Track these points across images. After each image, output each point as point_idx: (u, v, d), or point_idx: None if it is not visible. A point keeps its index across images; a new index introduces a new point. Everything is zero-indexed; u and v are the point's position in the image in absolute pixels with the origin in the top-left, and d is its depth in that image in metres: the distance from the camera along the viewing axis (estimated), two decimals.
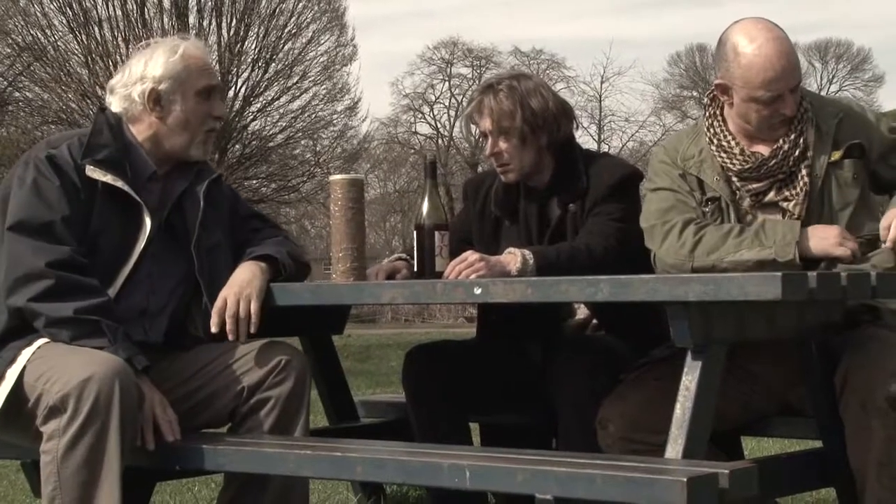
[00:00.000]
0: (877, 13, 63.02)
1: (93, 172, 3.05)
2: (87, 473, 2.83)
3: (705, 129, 3.12)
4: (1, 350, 2.99)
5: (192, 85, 3.17)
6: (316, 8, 21.42)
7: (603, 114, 40.20)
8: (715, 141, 3.10)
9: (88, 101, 19.73)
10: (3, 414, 2.96)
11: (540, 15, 61.57)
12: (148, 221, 3.08)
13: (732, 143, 3.08)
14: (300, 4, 21.11)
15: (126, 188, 3.06)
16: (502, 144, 3.39)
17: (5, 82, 20.72)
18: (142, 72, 3.18)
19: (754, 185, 3.06)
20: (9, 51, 20.35)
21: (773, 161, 3.04)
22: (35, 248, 2.97)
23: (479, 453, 2.91)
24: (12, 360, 2.95)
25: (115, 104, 3.21)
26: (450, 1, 65.01)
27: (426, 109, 39.14)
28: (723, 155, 3.08)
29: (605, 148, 38.05)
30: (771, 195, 3.05)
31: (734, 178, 3.07)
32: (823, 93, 40.70)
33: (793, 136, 3.04)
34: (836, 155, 3.03)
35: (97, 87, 19.64)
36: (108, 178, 3.06)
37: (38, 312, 2.96)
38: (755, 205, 3.05)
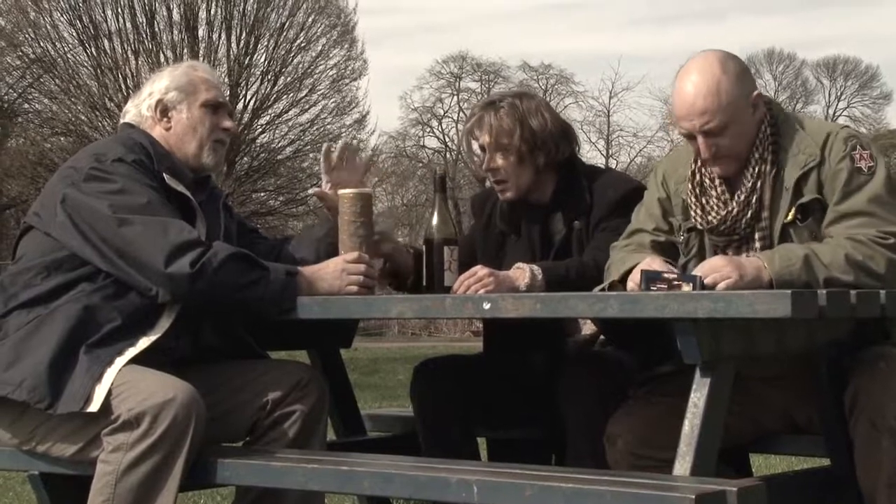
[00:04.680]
0: (885, 31, 63.04)
1: (171, 182, 3.08)
2: (144, 493, 2.84)
3: (692, 161, 3.04)
4: (118, 342, 2.95)
5: (198, 97, 3.20)
6: (326, 22, 21.48)
7: (611, 129, 40.25)
8: (697, 176, 3.02)
9: (97, 112, 19.80)
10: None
11: (549, 30, 61.69)
12: (204, 229, 3.09)
13: (717, 182, 2.98)
14: (310, 18, 21.18)
15: (193, 199, 3.10)
16: (500, 161, 3.41)
17: (15, 94, 20.81)
18: (149, 90, 3.24)
19: (714, 238, 3.01)
20: (19, 63, 20.44)
21: (723, 226, 2.95)
22: (173, 224, 2.96)
23: (487, 468, 2.90)
24: (110, 362, 2.92)
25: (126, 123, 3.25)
26: (459, 15, 65.17)
27: (434, 123, 39.23)
28: (693, 200, 3.01)
29: (612, 163, 38.07)
30: (730, 252, 2.97)
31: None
32: (831, 110, 41.07)
33: (743, 197, 2.94)
34: (790, 216, 2.90)
35: (106, 100, 19.71)
36: (181, 189, 3.09)
37: (207, 265, 2.90)
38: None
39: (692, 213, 3.03)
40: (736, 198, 2.95)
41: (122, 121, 3.28)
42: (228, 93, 20.07)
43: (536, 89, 37.37)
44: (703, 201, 3.01)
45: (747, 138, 2.94)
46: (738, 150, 2.94)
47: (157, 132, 3.20)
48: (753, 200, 2.94)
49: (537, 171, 3.41)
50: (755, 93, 2.96)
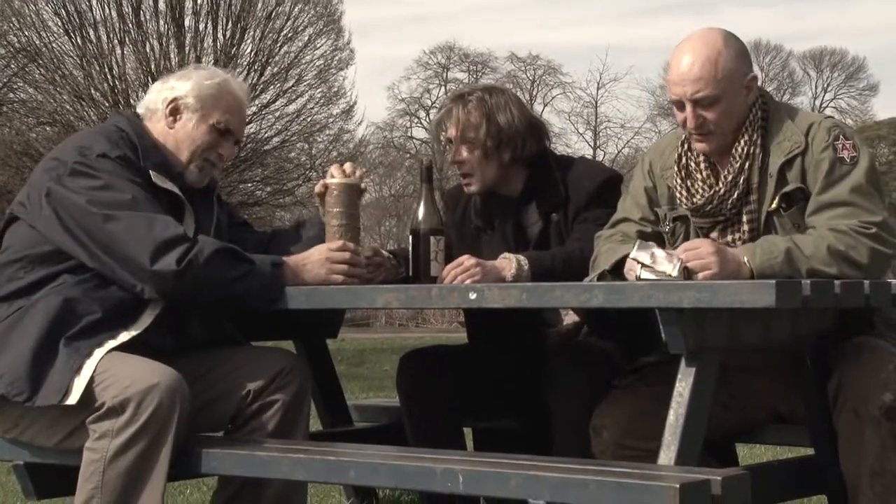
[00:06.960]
0: (872, 22, 63.17)
1: (157, 179, 3.06)
2: (133, 479, 2.84)
3: (678, 145, 3.06)
4: (108, 330, 2.95)
5: (212, 115, 3.16)
6: (312, 12, 21.39)
7: (599, 120, 40.23)
8: (683, 160, 3.03)
9: (82, 102, 19.69)
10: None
11: (537, 21, 61.64)
12: (193, 224, 3.09)
13: (702, 165, 3.00)
14: (296, 8, 21.07)
15: (181, 195, 3.08)
16: (465, 154, 3.42)
17: (0, 83, 20.69)
18: (173, 84, 3.20)
19: (698, 220, 3.01)
20: (3, 52, 20.31)
21: (709, 206, 2.96)
22: (158, 220, 2.94)
23: (472, 458, 2.91)
24: (89, 353, 2.91)
25: (140, 105, 3.24)
26: (447, 6, 65.04)
27: (422, 114, 39.12)
28: (679, 182, 3.02)
29: (600, 154, 38.08)
30: (714, 235, 2.98)
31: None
32: (818, 101, 41.13)
33: (731, 177, 2.94)
34: (773, 204, 2.91)
35: (91, 89, 19.60)
36: (168, 186, 3.07)
37: (193, 262, 2.89)
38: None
39: (677, 196, 3.03)
40: (723, 178, 2.96)
41: (142, 97, 3.24)
42: None
43: (524, 80, 37.40)
44: (689, 184, 3.02)
45: (735, 118, 2.94)
46: (723, 128, 2.94)
47: (160, 127, 3.17)
48: (741, 181, 2.94)
49: (502, 165, 3.41)
50: (751, 75, 2.97)
